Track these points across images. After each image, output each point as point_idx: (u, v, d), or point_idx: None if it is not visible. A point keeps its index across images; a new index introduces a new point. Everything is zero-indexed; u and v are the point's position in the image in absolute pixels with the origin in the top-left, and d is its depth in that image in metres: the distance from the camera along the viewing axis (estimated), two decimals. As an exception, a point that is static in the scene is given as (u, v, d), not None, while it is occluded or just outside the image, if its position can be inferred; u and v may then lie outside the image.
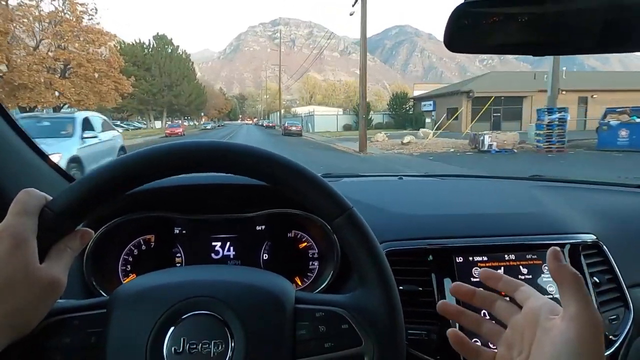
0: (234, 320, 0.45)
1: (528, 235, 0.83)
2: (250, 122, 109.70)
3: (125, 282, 0.81)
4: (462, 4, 0.54)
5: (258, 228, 0.89)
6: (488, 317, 0.48)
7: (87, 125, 7.35)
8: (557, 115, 13.25)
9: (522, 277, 0.76)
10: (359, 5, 14.70)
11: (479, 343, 0.48)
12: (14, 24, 18.12)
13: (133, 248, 0.85)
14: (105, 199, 0.46)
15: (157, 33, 56.31)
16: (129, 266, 0.85)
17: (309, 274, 0.89)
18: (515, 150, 14.13)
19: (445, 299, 0.73)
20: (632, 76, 34.81)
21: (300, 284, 0.88)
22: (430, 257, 0.78)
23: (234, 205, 0.88)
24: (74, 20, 20.56)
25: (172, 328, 0.44)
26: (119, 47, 44.16)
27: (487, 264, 0.78)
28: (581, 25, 0.53)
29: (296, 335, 0.46)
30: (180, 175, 0.51)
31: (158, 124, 54.61)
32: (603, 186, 1.28)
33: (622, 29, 0.52)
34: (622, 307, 0.81)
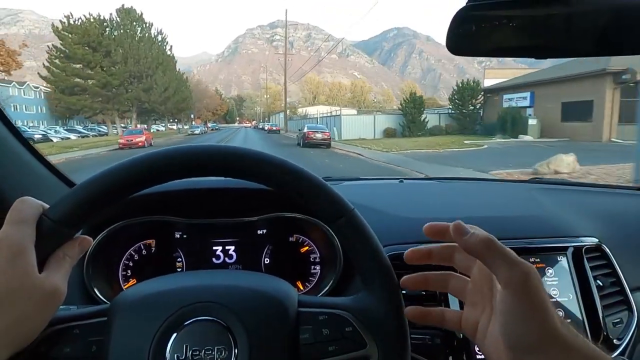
0: (237, 325, 0.45)
1: (530, 239, 0.83)
2: (249, 125, 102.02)
3: (125, 287, 0.82)
4: (464, 7, 0.54)
5: (259, 232, 0.88)
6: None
7: None
8: None
9: None
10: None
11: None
12: None
13: (133, 253, 0.85)
14: (104, 206, 0.45)
15: (123, 5, 40.99)
16: (129, 271, 0.84)
17: (310, 278, 0.88)
18: None
19: (448, 303, 0.73)
20: None
21: (302, 288, 0.87)
22: None
23: (235, 210, 0.87)
24: None
25: (174, 335, 0.44)
26: (65, 23, 34.05)
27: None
28: (582, 27, 0.53)
29: (300, 339, 0.46)
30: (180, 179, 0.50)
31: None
32: (604, 189, 1.27)
33: (622, 31, 0.52)
34: (625, 310, 0.80)
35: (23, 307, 0.40)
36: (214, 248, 0.87)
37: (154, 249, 0.86)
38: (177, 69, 50.27)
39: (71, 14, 35.93)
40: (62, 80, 35.94)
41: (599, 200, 1.15)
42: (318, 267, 0.89)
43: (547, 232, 0.85)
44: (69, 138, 32.70)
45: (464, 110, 27.83)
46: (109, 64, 38.09)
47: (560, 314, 0.75)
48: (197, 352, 0.43)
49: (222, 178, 0.49)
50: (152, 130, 46.58)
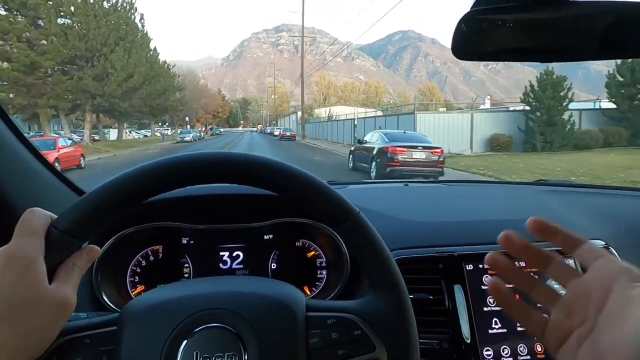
0: (247, 331, 0.45)
1: (538, 242, 0.82)
2: (256, 129, 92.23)
3: (133, 293, 0.82)
4: (469, 12, 0.54)
5: (266, 237, 0.89)
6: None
7: None
8: None
9: None
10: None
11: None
12: None
13: (141, 259, 0.85)
14: (111, 215, 0.46)
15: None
16: (137, 277, 0.85)
17: (317, 283, 0.88)
18: None
19: (456, 306, 0.73)
20: None
21: (308, 293, 0.87)
22: (440, 265, 0.77)
23: (241, 215, 0.88)
24: None
25: (184, 342, 0.44)
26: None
27: (497, 272, 0.77)
28: (587, 31, 0.53)
29: (309, 343, 0.46)
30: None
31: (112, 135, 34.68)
32: (609, 190, 1.27)
33: (627, 34, 0.52)
34: None
35: (34, 318, 0.40)
36: (221, 254, 0.88)
37: (161, 255, 0.87)
38: (152, 50, 31.97)
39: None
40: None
41: (605, 202, 1.15)
42: (325, 272, 0.89)
43: None
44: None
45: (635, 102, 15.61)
46: (38, 36, 22.65)
47: None
48: (208, 359, 0.43)
49: (229, 184, 0.49)
50: (133, 137, 41.08)
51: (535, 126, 16.18)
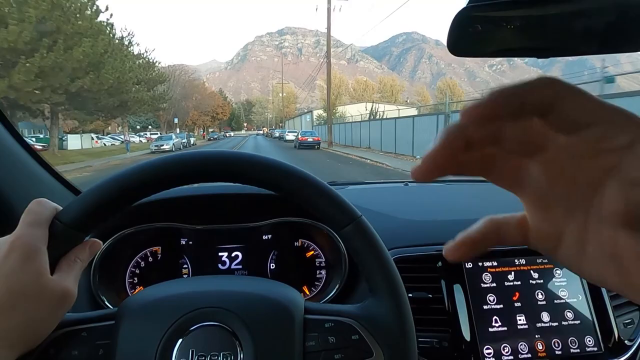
0: (243, 331, 0.45)
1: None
2: (262, 132, 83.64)
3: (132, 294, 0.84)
4: (464, 8, 0.54)
5: (264, 237, 0.89)
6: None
7: None
8: None
9: (533, 282, 0.75)
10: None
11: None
12: None
13: (140, 260, 0.86)
14: (114, 210, 0.46)
15: None
16: (136, 278, 0.85)
17: (316, 282, 0.88)
18: None
19: (456, 305, 0.72)
20: None
21: (307, 293, 0.87)
22: (440, 263, 0.76)
23: (240, 215, 0.88)
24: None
25: (180, 340, 0.44)
26: None
27: (497, 269, 0.76)
28: (584, 26, 0.53)
29: (305, 346, 0.46)
30: (185, 186, 0.51)
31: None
32: None
33: (624, 29, 0.52)
34: (636, 311, 0.79)
35: (34, 307, 0.40)
36: (220, 254, 0.88)
37: (160, 255, 0.87)
38: (114, 34, 23.18)
39: None
40: None
41: None
42: (324, 272, 0.89)
43: None
44: None
45: None
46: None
47: (570, 315, 0.74)
48: (203, 357, 0.43)
49: (227, 184, 0.49)
50: (104, 144, 31.89)
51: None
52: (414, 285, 0.73)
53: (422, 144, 15.05)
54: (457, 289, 0.74)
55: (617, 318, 0.75)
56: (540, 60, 0.58)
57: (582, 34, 0.53)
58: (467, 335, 0.71)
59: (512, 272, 0.76)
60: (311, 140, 24.31)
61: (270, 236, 0.89)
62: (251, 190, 0.56)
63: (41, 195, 0.77)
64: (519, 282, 0.75)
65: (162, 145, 23.86)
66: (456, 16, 0.55)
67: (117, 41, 23.79)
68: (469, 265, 0.76)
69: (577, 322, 0.74)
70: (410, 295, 0.48)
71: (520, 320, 0.72)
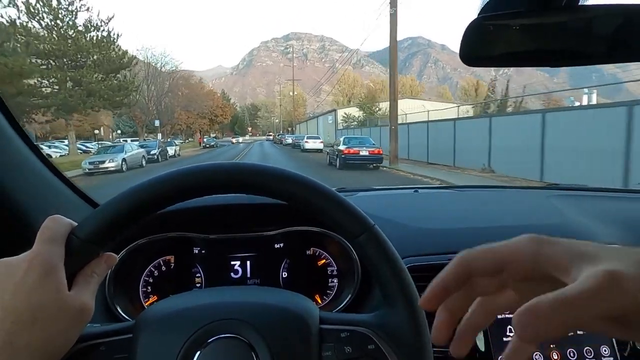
0: (260, 343, 0.45)
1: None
2: (270, 138, 75.35)
3: (147, 304, 0.83)
4: (476, 19, 0.54)
5: (276, 246, 0.89)
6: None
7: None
8: None
9: None
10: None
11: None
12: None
13: (153, 269, 0.86)
14: (130, 223, 0.46)
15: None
16: (149, 288, 0.85)
17: (328, 291, 0.88)
18: None
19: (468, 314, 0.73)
20: None
21: (320, 301, 0.87)
22: None
23: (252, 224, 0.88)
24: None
25: (198, 352, 0.44)
26: None
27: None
28: (595, 35, 0.53)
29: (322, 357, 0.46)
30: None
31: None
32: (624, 193, 1.25)
33: (635, 37, 0.52)
34: None
35: (53, 324, 0.41)
36: (232, 263, 0.88)
37: (173, 265, 0.87)
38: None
39: None
40: None
41: (618, 205, 1.13)
42: (336, 280, 0.89)
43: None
44: None
45: None
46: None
47: None
48: None
49: (239, 194, 0.50)
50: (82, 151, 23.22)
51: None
52: None
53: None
54: None
55: None
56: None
57: (592, 43, 0.53)
58: (481, 345, 0.71)
59: None
60: (367, 154, 14.50)
61: (282, 245, 0.89)
62: (263, 200, 0.56)
63: (59, 207, 0.79)
64: None
65: (104, 162, 15.02)
66: (468, 26, 0.55)
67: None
68: None
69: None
70: None
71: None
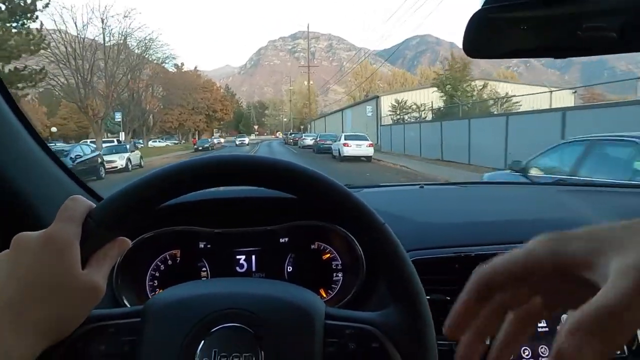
0: (265, 334, 0.45)
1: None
2: (282, 138, 66.88)
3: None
4: (479, 10, 0.54)
5: (281, 240, 0.90)
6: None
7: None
8: None
9: None
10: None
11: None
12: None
13: (159, 263, 0.87)
14: (144, 211, 0.47)
15: None
16: (156, 282, 0.86)
17: (333, 285, 0.89)
18: None
19: None
20: None
21: (324, 295, 0.88)
22: (457, 266, 0.76)
23: (257, 218, 0.89)
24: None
25: (204, 340, 0.45)
26: None
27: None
28: (599, 25, 0.52)
29: (325, 352, 0.46)
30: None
31: None
32: (633, 189, 1.24)
33: None
34: None
35: (65, 300, 0.42)
36: (237, 257, 0.89)
37: (179, 259, 0.88)
38: None
39: None
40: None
41: (624, 200, 1.12)
42: (340, 274, 0.89)
43: None
44: None
45: None
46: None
47: None
48: (225, 358, 0.44)
49: (243, 187, 0.50)
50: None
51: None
52: (431, 287, 0.72)
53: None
54: None
55: None
56: (557, 61, 0.58)
57: (597, 33, 0.52)
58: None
59: None
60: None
61: (287, 239, 0.90)
62: (268, 193, 0.56)
63: (64, 199, 0.81)
64: None
65: None
66: (471, 18, 0.54)
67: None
68: None
69: None
70: (428, 297, 0.48)
71: (540, 322, 0.70)
